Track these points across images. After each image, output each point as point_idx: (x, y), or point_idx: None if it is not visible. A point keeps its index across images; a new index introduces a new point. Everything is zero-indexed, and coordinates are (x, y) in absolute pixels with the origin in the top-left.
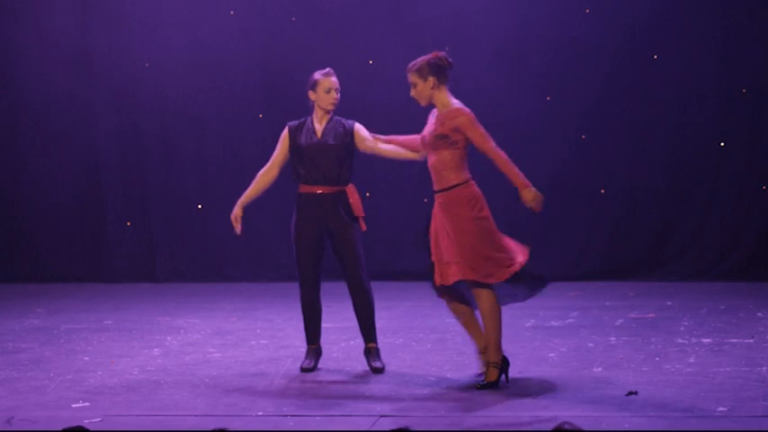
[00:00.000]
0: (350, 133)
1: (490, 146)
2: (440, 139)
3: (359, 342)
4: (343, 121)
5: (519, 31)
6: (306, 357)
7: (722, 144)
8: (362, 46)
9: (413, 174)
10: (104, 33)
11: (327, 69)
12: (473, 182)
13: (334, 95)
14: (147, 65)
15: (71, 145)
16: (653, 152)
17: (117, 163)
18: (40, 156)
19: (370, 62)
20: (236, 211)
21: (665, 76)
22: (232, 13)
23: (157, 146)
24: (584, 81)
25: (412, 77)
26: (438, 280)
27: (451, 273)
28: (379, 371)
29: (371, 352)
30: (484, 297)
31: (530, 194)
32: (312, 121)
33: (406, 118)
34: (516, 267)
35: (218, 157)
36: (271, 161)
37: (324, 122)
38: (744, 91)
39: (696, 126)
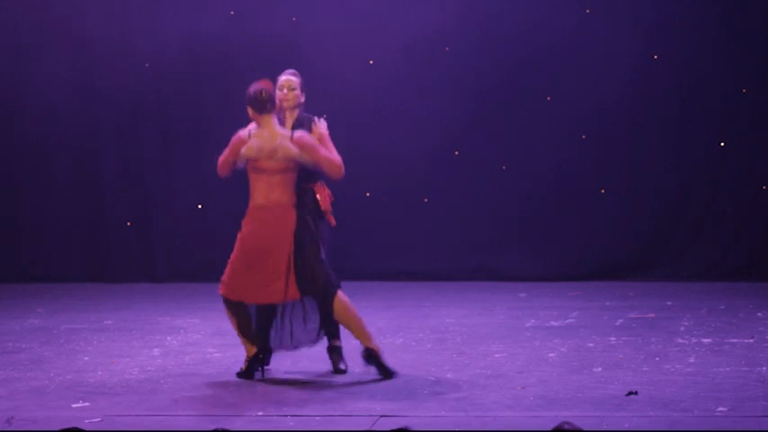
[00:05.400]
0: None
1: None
2: None
3: (359, 342)
4: (309, 117)
5: (519, 31)
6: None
7: (722, 144)
8: (362, 46)
9: (413, 174)
10: (105, 34)
11: (288, 70)
12: (250, 207)
13: (284, 92)
14: (146, 65)
15: (71, 145)
16: (653, 152)
17: (117, 163)
18: (39, 156)
19: (371, 62)
20: None
21: (665, 76)
22: (232, 12)
23: (157, 146)
24: (584, 81)
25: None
26: None
27: None
28: (341, 372)
29: (336, 350)
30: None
31: None
32: (283, 122)
33: (407, 118)
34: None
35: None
36: None
37: (291, 122)
38: (744, 91)
39: (696, 126)
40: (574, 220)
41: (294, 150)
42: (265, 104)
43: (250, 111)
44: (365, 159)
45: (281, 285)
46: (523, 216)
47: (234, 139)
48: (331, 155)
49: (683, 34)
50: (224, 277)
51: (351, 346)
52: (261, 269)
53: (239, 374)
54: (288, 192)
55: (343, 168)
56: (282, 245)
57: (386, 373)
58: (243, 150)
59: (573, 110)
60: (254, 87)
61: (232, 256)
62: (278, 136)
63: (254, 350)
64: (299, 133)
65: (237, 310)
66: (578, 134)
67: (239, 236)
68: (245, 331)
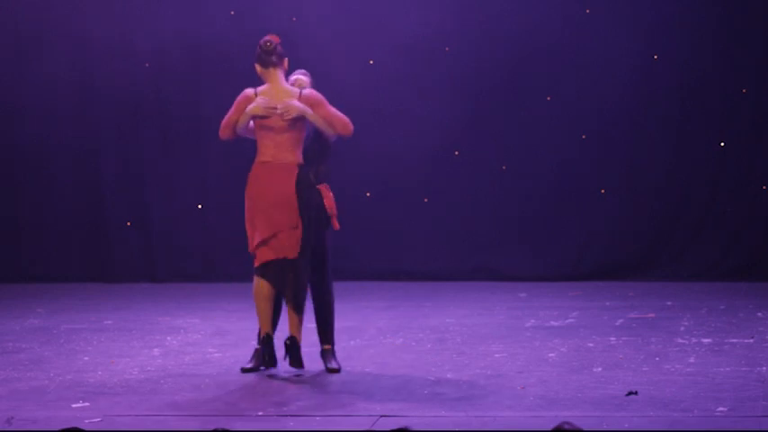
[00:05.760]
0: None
1: None
2: None
3: (359, 342)
4: None
5: (519, 31)
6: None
7: (722, 144)
8: (362, 46)
9: (413, 174)
10: (105, 34)
11: (299, 70)
12: (256, 162)
13: None
14: (146, 65)
15: (71, 145)
16: (653, 152)
17: (117, 163)
18: (39, 156)
19: (371, 62)
20: None
21: (665, 76)
22: (232, 13)
23: (157, 146)
24: (584, 81)
25: None
26: None
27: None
28: (334, 371)
29: (327, 353)
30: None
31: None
32: None
33: (407, 118)
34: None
35: (218, 158)
36: None
37: None
38: (744, 91)
39: (696, 126)
40: (574, 220)
41: (301, 107)
42: (270, 56)
43: (258, 68)
44: (365, 159)
45: (286, 240)
46: (523, 216)
47: (239, 97)
48: (339, 113)
49: (683, 34)
50: (249, 248)
51: (348, 346)
52: (266, 223)
53: (261, 357)
54: (295, 151)
55: (351, 125)
56: (285, 202)
57: (298, 363)
58: (249, 108)
59: (573, 110)
60: (261, 40)
61: (246, 225)
62: (285, 94)
63: (264, 330)
64: (307, 90)
65: (268, 282)
66: (578, 134)
67: (245, 195)
68: (264, 311)
